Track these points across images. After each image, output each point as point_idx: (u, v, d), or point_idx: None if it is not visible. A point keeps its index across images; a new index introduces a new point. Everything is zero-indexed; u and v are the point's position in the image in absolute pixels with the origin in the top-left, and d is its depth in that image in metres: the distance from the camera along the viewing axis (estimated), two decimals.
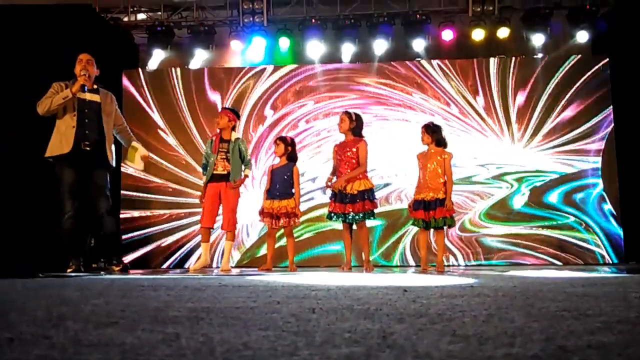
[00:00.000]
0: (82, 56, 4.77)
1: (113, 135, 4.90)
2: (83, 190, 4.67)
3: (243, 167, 5.20)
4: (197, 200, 5.95)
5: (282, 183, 5.14)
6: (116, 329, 1.13)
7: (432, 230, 4.92)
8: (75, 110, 4.63)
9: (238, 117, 5.40)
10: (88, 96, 4.73)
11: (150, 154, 5.51)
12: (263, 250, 6.65)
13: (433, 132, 4.88)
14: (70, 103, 4.62)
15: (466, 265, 6.76)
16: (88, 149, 4.64)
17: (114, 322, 1.24)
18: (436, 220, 4.71)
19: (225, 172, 5.09)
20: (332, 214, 4.86)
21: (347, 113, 5.03)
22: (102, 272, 4.94)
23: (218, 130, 5.27)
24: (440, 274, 4.15)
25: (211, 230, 5.24)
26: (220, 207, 5.13)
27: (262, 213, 5.16)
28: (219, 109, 6.29)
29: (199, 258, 5.29)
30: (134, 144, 4.96)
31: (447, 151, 4.89)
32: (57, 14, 6.41)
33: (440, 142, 4.87)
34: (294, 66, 7.49)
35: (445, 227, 4.83)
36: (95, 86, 4.83)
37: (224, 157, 5.12)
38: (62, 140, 4.59)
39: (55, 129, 4.66)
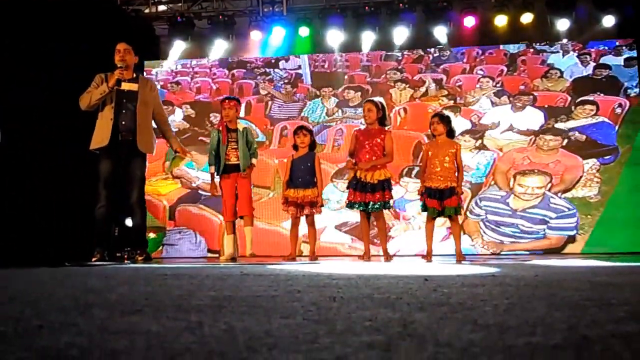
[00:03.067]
0: (119, 46, 4.77)
1: (152, 124, 4.89)
2: (118, 180, 4.73)
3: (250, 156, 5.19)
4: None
5: (305, 172, 5.11)
6: (141, 317, 1.15)
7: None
8: (113, 102, 4.69)
9: (240, 105, 5.40)
10: (127, 86, 4.75)
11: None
12: None
13: (447, 123, 4.83)
14: (109, 95, 4.68)
15: None
16: (126, 139, 4.69)
17: (138, 310, 1.26)
18: (448, 208, 4.69)
19: (239, 162, 5.10)
20: (353, 203, 4.84)
21: (373, 102, 4.97)
22: (126, 261, 5.02)
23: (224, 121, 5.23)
24: (460, 263, 4.13)
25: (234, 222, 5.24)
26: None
27: (286, 202, 5.15)
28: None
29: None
30: (179, 155, 4.96)
31: (456, 142, 4.88)
32: (78, 6, 6.47)
33: (451, 133, 4.83)
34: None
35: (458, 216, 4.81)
36: (134, 75, 4.85)
37: (235, 146, 5.10)
38: (102, 134, 4.65)
39: (97, 122, 4.73)
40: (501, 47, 7.37)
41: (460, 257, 4.75)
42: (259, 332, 0.95)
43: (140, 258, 4.80)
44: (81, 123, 4.94)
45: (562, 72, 7.15)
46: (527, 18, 7.07)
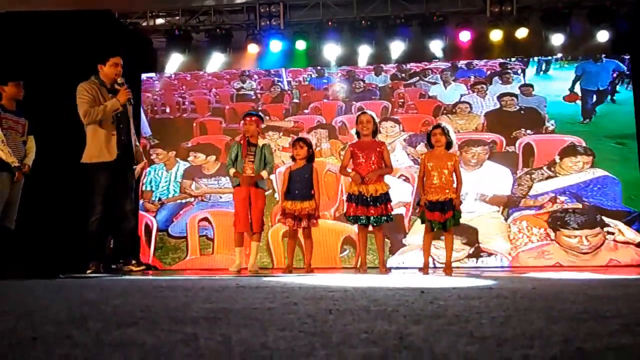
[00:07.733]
0: (116, 59, 4.78)
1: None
2: (112, 192, 4.74)
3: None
4: None
5: (302, 184, 5.10)
6: (136, 329, 1.14)
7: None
8: (113, 118, 4.71)
9: (263, 121, 5.40)
10: None
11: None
12: None
13: (448, 134, 4.82)
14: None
15: None
16: (124, 152, 4.72)
17: (134, 322, 1.26)
18: (449, 220, 4.66)
19: (253, 175, 5.12)
20: (354, 217, 4.82)
21: (370, 114, 4.99)
22: (121, 273, 5.01)
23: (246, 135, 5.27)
24: (449, 276, 4.13)
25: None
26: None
27: (284, 214, 5.14)
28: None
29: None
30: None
31: (454, 153, 4.83)
32: (77, 20, 6.50)
33: (450, 145, 4.83)
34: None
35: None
36: None
37: (252, 159, 5.14)
38: (102, 147, 4.64)
39: (94, 136, 4.69)
40: (366, 79, 6.63)
41: (449, 269, 4.71)
42: (255, 344, 0.95)
43: (136, 269, 4.80)
44: (75, 135, 4.93)
45: (471, 106, 5.95)
46: (522, 33, 7.13)
